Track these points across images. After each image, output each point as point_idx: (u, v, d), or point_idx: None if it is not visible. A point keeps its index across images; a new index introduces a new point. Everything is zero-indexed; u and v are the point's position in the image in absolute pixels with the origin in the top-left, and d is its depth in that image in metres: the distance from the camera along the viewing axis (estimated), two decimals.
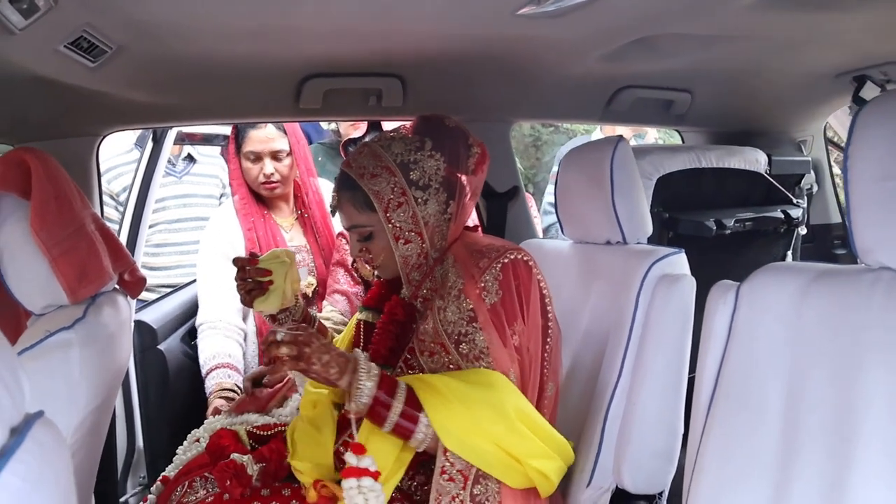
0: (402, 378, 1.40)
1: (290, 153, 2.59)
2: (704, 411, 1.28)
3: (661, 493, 1.73)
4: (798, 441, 1.14)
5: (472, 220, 2.68)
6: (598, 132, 3.82)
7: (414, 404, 1.35)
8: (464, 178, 1.58)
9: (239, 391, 2.32)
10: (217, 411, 2.20)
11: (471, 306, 1.43)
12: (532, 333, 1.46)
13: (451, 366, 1.43)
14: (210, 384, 2.38)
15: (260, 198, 2.64)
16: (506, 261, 1.46)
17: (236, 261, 1.69)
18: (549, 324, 1.50)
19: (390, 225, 1.52)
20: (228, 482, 1.48)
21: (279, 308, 1.70)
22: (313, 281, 2.59)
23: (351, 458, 1.32)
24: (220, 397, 2.30)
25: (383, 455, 1.38)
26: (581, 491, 1.65)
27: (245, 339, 2.54)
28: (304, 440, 1.56)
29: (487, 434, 1.35)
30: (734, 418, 1.22)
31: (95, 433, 1.63)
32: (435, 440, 1.36)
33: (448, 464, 1.36)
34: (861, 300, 1.12)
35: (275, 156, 2.56)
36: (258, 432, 1.74)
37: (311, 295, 2.57)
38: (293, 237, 2.65)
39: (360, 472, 1.31)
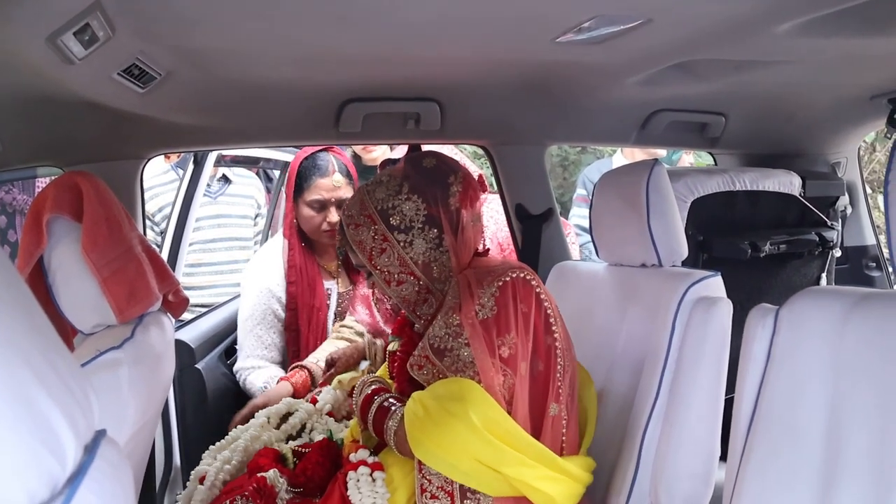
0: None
1: None
2: (744, 435, 1.28)
3: None
4: (840, 466, 1.13)
5: (504, 239, 2.70)
6: (619, 154, 3.81)
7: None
8: (460, 210, 1.58)
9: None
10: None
11: (457, 321, 1.45)
12: (528, 349, 1.46)
13: (440, 376, 1.47)
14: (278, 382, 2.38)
15: (308, 243, 2.59)
16: (507, 279, 1.47)
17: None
18: (556, 344, 1.49)
19: (377, 271, 1.57)
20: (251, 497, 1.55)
21: None
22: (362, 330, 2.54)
23: (352, 457, 1.59)
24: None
25: (399, 472, 1.54)
26: None
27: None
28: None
29: (461, 448, 1.39)
30: (775, 442, 1.22)
31: (139, 452, 1.66)
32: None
33: (426, 481, 1.43)
34: None
35: (341, 203, 2.47)
36: (302, 450, 1.77)
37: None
38: (341, 284, 2.59)
39: (356, 465, 1.55)
